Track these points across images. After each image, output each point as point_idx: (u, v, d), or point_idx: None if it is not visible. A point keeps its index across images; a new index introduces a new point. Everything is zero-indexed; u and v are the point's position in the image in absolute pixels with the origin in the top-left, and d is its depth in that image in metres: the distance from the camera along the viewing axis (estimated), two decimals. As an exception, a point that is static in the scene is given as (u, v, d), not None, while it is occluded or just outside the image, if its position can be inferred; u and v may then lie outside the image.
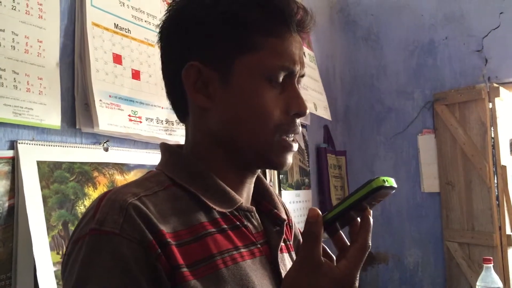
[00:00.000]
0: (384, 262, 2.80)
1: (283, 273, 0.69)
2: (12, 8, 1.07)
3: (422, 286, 2.68)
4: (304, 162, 2.42)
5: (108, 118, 1.24)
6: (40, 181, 1.08)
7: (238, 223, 0.68)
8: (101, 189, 1.22)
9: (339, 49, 2.99)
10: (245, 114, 0.66)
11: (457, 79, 2.62)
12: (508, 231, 2.36)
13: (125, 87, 1.32)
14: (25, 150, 1.07)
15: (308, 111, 0.69)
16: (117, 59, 1.31)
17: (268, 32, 0.66)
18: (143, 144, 1.41)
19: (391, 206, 2.77)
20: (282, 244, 0.73)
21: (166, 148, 0.73)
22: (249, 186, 0.73)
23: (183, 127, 0.74)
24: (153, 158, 1.39)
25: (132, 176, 1.32)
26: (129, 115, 1.32)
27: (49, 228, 1.08)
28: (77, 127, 1.21)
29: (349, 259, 0.60)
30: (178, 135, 1.48)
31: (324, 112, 2.52)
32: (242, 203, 0.69)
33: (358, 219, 0.63)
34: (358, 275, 0.60)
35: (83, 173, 1.19)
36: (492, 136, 2.41)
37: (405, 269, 2.74)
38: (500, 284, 1.73)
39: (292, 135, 0.69)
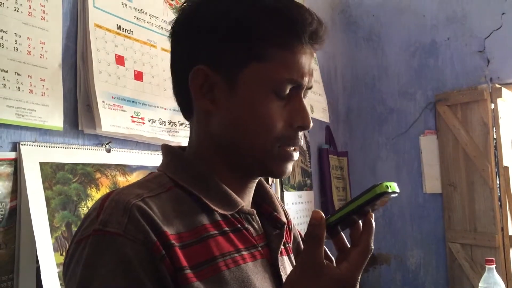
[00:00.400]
0: (386, 263, 2.79)
1: (283, 276, 0.69)
2: (14, 10, 1.07)
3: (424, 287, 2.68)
4: (306, 163, 2.42)
5: (111, 120, 1.25)
6: (43, 183, 1.08)
7: (239, 225, 0.68)
8: (104, 190, 1.23)
9: (340, 50, 2.98)
10: (248, 122, 0.66)
11: (459, 80, 2.61)
12: (510, 232, 2.35)
13: (128, 88, 1.32)
14: (27, 151, 1.07)
15: (311, 124, 0.68)
16: (120, 60, 1.31)
17: (279, 44, 0.65)
18: (146, 145, 1.41)
19: (393, 207, 2.76)
20: (281, 247, 0.73)
21: (168, 150, 0.73)
22: (250, 190, 0.74)
23: (186, 128, 0.75)
24: (156, 159, 1.39)
25: (134, 178, 1.32)
26: (132, 116, 1.32)
27: (53, 229, 1.08)
28: (79, 128, 1.21)
29: (351, 262, 0.60)
30: (180, 136, 1.47)
31: (322, 115, 2.52)
32: (243, 206, 0.69)
33: (360, 222, 0.63)
34: (359, 278, 0.61)
35: (86, 174, 1.20)
36: (494, 137, 2.40)
37: (407, 270, 2.73)
38: (503, 285, 1.72)
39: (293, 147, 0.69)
